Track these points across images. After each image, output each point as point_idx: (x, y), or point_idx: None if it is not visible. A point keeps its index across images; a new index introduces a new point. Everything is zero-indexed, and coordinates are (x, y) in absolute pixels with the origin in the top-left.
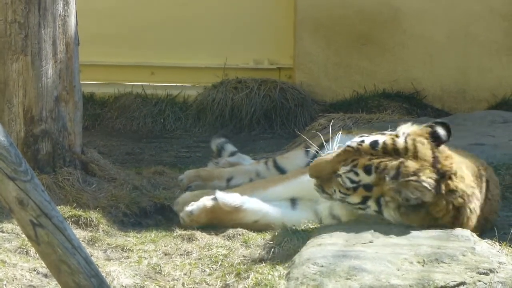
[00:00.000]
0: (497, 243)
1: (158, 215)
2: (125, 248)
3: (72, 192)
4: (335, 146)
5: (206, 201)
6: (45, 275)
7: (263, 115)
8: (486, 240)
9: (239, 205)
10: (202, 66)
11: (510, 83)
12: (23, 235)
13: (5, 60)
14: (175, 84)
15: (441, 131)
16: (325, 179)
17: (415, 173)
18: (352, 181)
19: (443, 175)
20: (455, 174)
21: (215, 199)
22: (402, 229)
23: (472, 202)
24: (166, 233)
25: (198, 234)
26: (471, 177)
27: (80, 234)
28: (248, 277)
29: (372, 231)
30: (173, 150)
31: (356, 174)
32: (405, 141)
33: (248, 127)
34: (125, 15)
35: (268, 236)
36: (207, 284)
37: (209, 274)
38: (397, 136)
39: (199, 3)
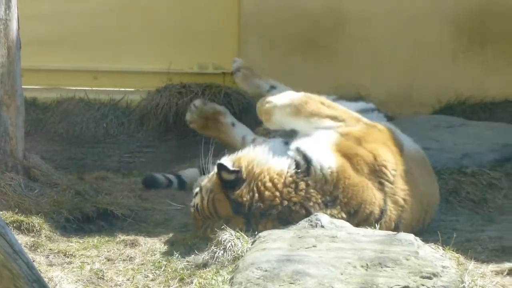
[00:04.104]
0: (440, 247)
1: (100, 221)
2: (68, 253)
3: (14, 197)
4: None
5: None
6: None
7: None
8: (429, 244)
9: None
10: (145, 70)
11: (455, 88)
12: None
13: None
14: (118, 89)
15: (226, 175)
16: None
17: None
18: None
19: (249, 212)
20: (260, 197)
21: None
22: (346, 233)
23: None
24: (109, 238)
25: (141, 239)
26: (301, 182)
27: (22, 239)
28: (192, 282)
29: (316, 235)
30: (116, 155)
31: None
32: (208, 206)
33: (192, 132)
34: (68, 19)
35: (212, 240)
36: None
37: (152, 280)
38: (203, 192)
39: (142, 7)
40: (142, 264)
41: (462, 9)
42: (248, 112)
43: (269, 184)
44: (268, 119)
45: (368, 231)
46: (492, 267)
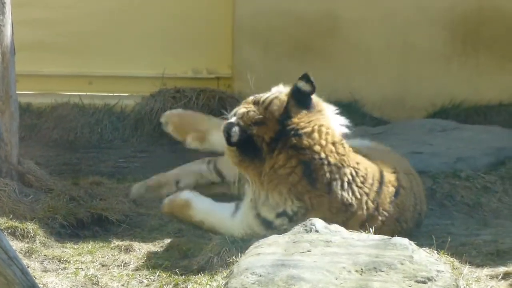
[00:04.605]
0: (435, 252)
1: (95, 226)
2: (62, 259)
3: (8, 203)
4: None
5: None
6: None
7: None
8: (424, 248)
9: (188, 201)
10: (140, 75)
11: (449, 92)
12: None
13: None
14: (112, 94)
15: (303, 84)
16: None
17: (249, 124)
18: None
19: (288, 131)
20: (308, 132)
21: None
22: (340, 238)
23: (336, 171)
24: (104, 244)
25: (136, 244)
26: (341, 147)
27: (16, 245)
28: None
29: (311, 240)
30: (110, 160)
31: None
32: (269, 95)
33: None
34: (62, 24)
35: (206, 246)
36: None
37: (147, 285)
38: (271, 92)
39: (137, 12)
40: (136, 269)
41: (456, 13)
42: None
43: (323, 129)
44: None
45: (362, 235)
46: (487, 271)
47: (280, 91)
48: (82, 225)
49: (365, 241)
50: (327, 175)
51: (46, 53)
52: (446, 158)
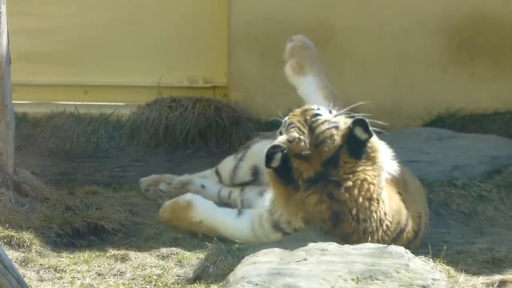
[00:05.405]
0: (431, 260)
1: (91, 235)
2: (58, 268)
3: (4, 212)
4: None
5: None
6: None
7: (198, 134)
8: (420, 256)
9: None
10: (136, 84)
11: (444, 100)
12: None
13: None
14: (108, 103)
15: (360, 132)
16: None
17: (293, 154)
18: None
19: (330, 180)
20: (349, 187)
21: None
22: (336, 246)
23: (362, 225)
24: (100, 253)
25: (132, 254)
26: (375, 203)
27: (12, 254)
28: None
29: (307, 248)
30: (106, 169)
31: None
32: (325, 129)
33: (183, 146)
34: (58, 34)
35: (202, 255)
36: None
37: None
38: (331, 122)
39: (132, 21)
40: (132, 279)
41: (452, 21)
42: (238, 125)
43: (365, 184)
44: None
45: (358, 244)
46: (483, 279)
47: (338, 126)
48: (78, 234)
49: (361, 250)
50: (352, 228)
51: (42, 63)
52: (442, 166)
